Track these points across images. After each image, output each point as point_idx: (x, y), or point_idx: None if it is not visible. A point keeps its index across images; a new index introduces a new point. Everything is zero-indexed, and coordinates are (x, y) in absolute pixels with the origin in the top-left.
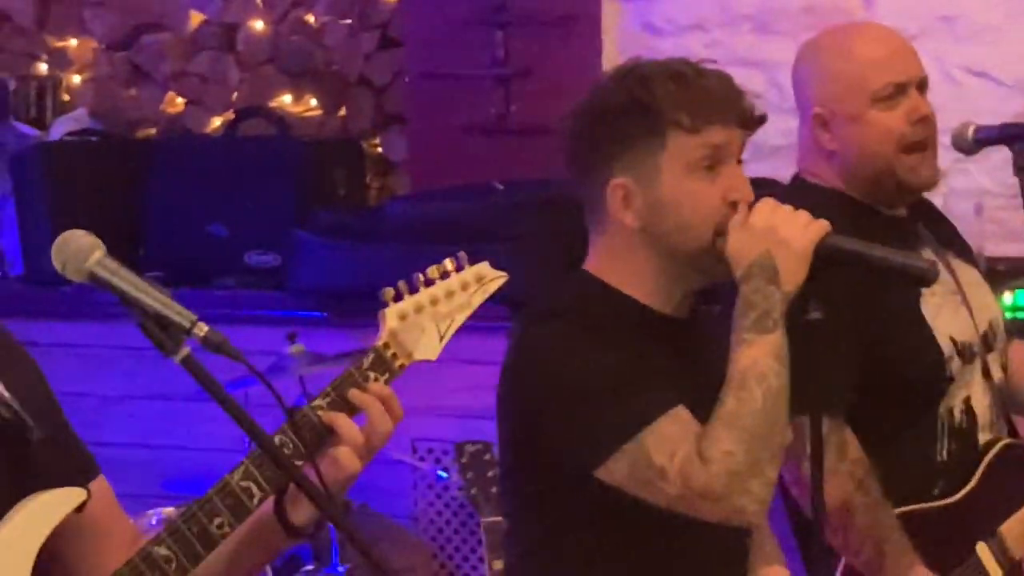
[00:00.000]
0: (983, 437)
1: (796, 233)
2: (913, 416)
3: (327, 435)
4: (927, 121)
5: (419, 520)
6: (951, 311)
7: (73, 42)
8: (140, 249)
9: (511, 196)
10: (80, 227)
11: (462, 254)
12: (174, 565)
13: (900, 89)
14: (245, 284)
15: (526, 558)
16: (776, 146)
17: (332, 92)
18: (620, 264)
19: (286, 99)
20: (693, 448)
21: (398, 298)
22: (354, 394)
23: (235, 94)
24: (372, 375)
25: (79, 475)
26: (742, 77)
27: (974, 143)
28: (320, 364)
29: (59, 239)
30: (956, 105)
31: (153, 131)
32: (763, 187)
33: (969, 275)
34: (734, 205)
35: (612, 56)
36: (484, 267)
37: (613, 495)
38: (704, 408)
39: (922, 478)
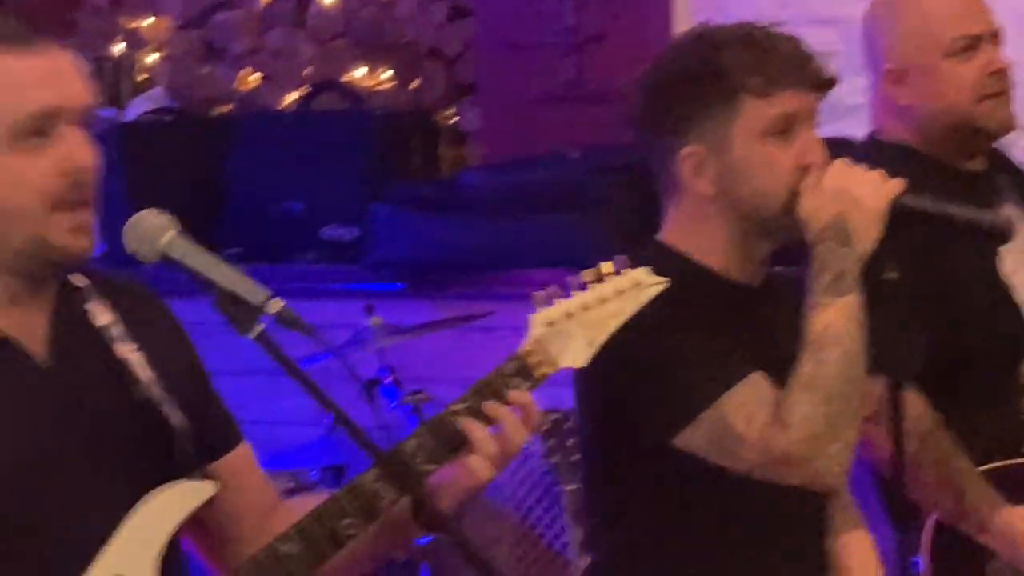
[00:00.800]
0: None
1: (869, 193)
2: (995, 374)
3: (462, 442)
4: (1002, 74)
5: (502, 489)
6: None
7: (148, 22)
8: (217, 226)
9: (585, 164)
10: (157, 206)
11: (621, 257)
12: (300, 564)
13: (974, 42)
14: (322, 259)
15: (604, 526)
16: (852, 105)
17: (404, 64)
18: (694, 232)
19: (359, 72)
20: (771, 414)
21: (546, 303)
22: (490, 407)
23: (308, 69)
24: (513, 382)
25: (216, 451)
26: (815, 36)
27: None
28: (399, 336)
29: (130, 221)
30: None
31: (228, 108)
32: (837, 147)
33: None
34: (807, 169)
35: (683, 19)
36: (641, 273)
37: (692, 463)
38: (781, 374)
39: (1009, 436)
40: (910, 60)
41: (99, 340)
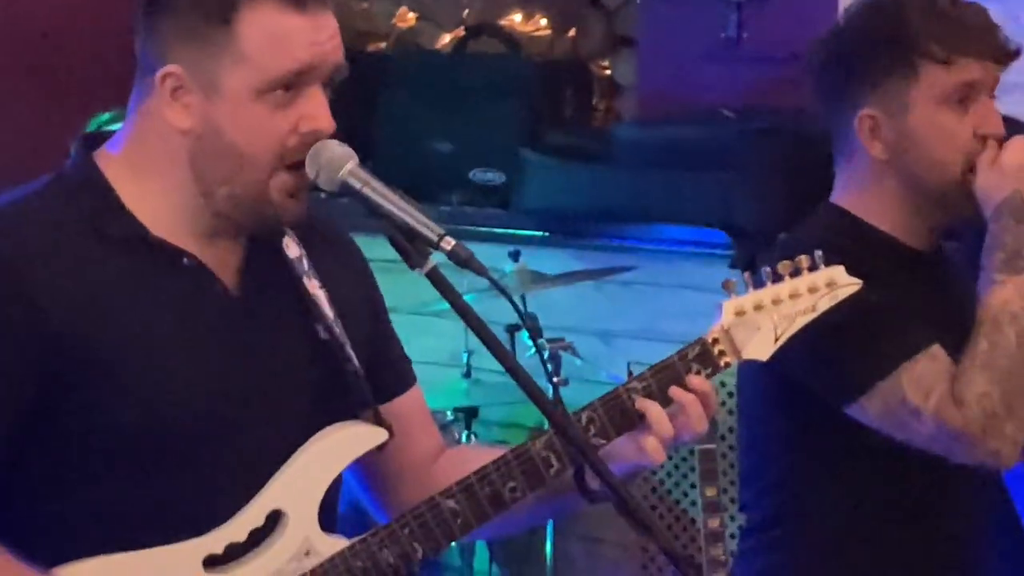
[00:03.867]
0: None
1: None
2: None
3: (637, 421)
4: None
5: None
6: None
7: None
8: (368, 162)
9: (740, 124)
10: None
11: (819, 253)
12: (460, 521)
13: None
14: (469, 201)
15: (767, 494)
16: (1015, 83)
17: (563, 12)
18: (867, 196)
19: (516, 18)
20: (948, 389)
21: (739, 291)
22: (675, 391)
23: (466, 11)
24: (695, 367)
25: (389, 392)
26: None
27: None
28: (542, 283)
29: (314, 148)
30: None
31: (384, 45)
32: (1007, 125)
33: None
34: (984, 140)
35: None
36: (838, 272)
37: (863, 432)
38: (953, 346)
39: None
40: None
41: (288, 274)
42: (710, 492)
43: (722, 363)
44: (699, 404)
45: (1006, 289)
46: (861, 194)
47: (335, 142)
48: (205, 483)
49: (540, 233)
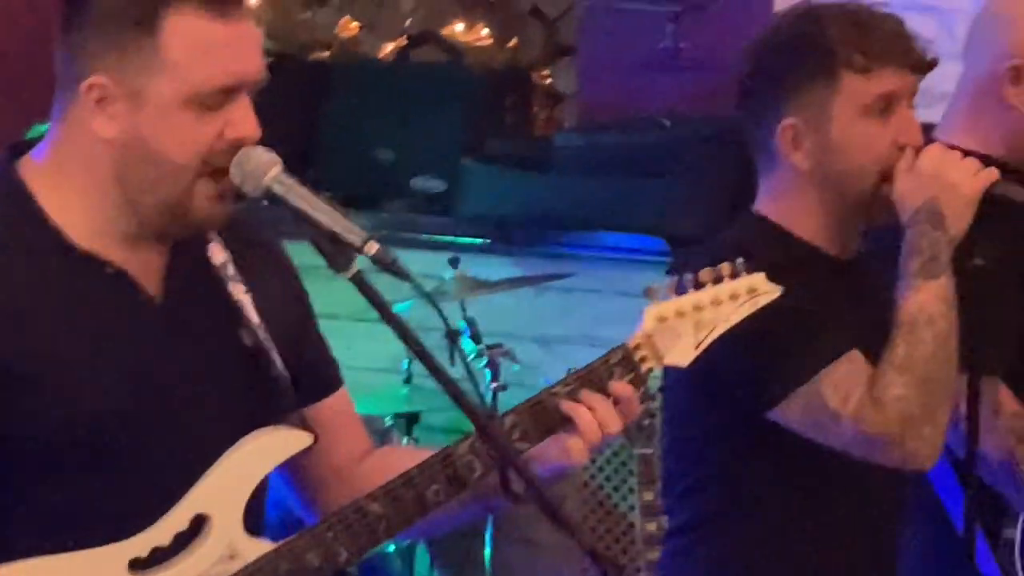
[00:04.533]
0: None
1: (964, 179)
2: None
3: (560, 425)
4: None
5: None
6: None
7: None
8: (310, 170)
9: (677, 132)
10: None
11: (741, 260)
12: (384, 524)
13: None
14: (410, 208)
15: (689, 496)
16: (946, 92)
17: (504, 22)
18: (789, 204)
19: (458, 27)
20: (867, 392)
21: (662, 298)
22: (589, 395)
23: (408, 20)
24: (617, 372)
25: (315, 394)
26: (915, 22)
27: None
28: (481, 289)
29: (239, 154)
30: None
31: (327, 54)
32: (928, 134)
33: None
34: (903, 149)
35: None
36: (759, 279)
37: (784, 436)
38: (872, 351)
39: None
40: None
41: (213, 279)
42: (648, 496)
43: (644, 368)
44: (611, 407)
45: (923, 294)
46: (782, 202)
47: (260, 148)
48: (131, 488)
49: (481, 240)
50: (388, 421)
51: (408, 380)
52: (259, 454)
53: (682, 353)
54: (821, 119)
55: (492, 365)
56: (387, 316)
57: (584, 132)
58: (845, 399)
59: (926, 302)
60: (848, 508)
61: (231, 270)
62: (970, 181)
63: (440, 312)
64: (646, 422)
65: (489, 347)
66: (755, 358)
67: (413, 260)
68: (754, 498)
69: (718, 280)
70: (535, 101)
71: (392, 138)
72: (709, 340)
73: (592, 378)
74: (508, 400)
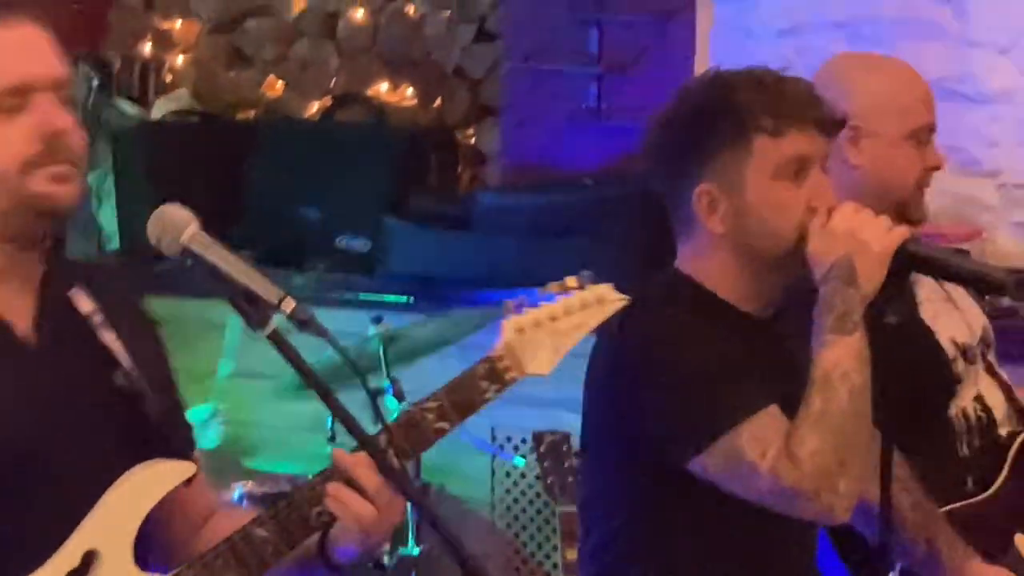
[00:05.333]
0: (1003, 431)
1: (876, 237)
2: (929, 418)
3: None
4: (937, 170)
5: (496, 506)
6: (947, 315)
7: (178, 24)
8: (235, 229)
9: (599, 191)
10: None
11: (587, 273)
12: (271, 548)
13: (930, 131)
14: (335, 267)
15: (602, 548)
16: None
17: (429, 82)
18: (707, 265)
19: (383, 87)
20: (784, 446)
21: (517, 311)
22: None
23: (333, 80)
24: (483, 385)
25: (185, 447)
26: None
27: None
28: (405, 348)
29: (156, 212)
30: None
31: (252, 114)
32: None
33: (952, 285)
34: (815, 210)
35: (705, 56)
36: (606, 289)
37: (698, 487)
38: (788, 406)
39: (951, 476)
40: (878, 125)
41: (83, 325)
42: (571, 555)
43: (508, 378)
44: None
45: (837, 349)
46: (700, 263)
47: (177, 206)
48: (18, 530)
49: (404, 298)
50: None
51: (332, 439)
52: (145, 487)
53: (542, 362)
54: (735, 183)
55: None
56: (304, 374)
57: (505, 191)
58: (764, 452)
59: (840, 358)
60: (762, 562)
61: (99, 318)
62: (882, 239)
63: (357, 370)
64: (569, 479)
65: (414, 405)
66: (676, 409)
67: (337, 319)
68: (668, 549)
69: (568, 291)
70: (459, 160)
71: (317, 197)
72: (567, 348)
73: (460, 391)
74: (430, 457)
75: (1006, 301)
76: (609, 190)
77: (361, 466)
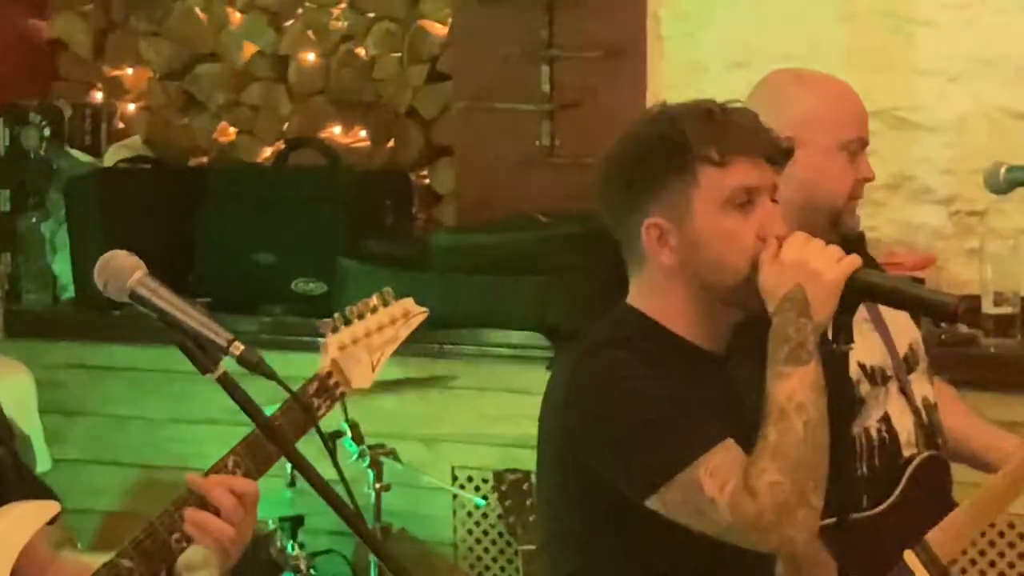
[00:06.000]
0: (907, 453)
1: (827, 266)
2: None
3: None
4: (867, 183)
5: (457, 547)
6: (861, 338)
7: (128, 71)
8: (190, 275)
9: (554, 229)
10: (131, 252)
11: (388, 290)
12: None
13: (862, 145)
14: (292, 311)
15: None
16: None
17: (381, 124)
18: (659, 300)
19: (336, 130)
20: (742, 480)
21: (335, 330)
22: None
23: (286, 124)
24: (316, 402)
25: (47, 492)
26: None
27: (1006, 183)
28: (364, 391)
29: (102, 259)
30: (994, 146)
31: (205, 159)
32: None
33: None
34: (765, 240)
35: (656, 91)
36: (409, 303)
37: (654, 526)
38: (744, 441)
39: (848, 493)
40: (812, 135)
41: None
42: None
43: (338, 392)
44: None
45: (792, 381)
46: (652, 297)
47: (124, 253)
48: None
49: None
50: (272, 524)
51: (292, 483)
52: (13, 527)
53: (363, 376)
54: (683, 216)
55: (375, 465)
56: (255, 417)
57: (460, 231)
58: (722, 487)
59: (795, 389)
60: None
61: None
62: (833, 268)
63: (309, 411)
64: (531, 518)
65: (371, 448)
66: (633, 445)
67: (294, 363)
68: None
69: (375, 309)
70: (414, 201)
71: (272, 241)
72: (383, 362)
73: (295, 411)
74: (391, 500)
75: (964, 328)
76: (564, 228)
77: (216, 488)
